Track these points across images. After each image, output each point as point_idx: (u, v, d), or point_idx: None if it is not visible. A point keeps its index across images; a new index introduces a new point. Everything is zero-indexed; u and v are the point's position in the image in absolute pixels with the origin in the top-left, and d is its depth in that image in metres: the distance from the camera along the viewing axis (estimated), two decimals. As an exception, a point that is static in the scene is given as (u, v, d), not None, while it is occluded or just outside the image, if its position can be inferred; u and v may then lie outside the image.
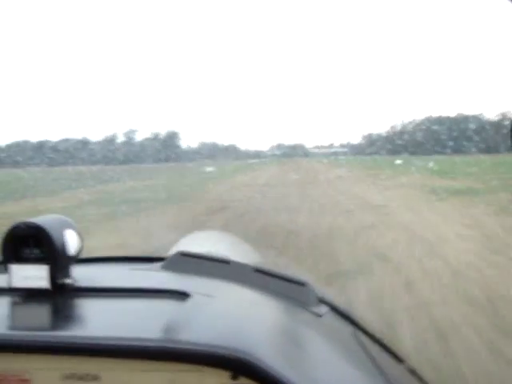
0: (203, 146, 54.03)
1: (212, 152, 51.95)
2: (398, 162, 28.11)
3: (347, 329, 1.10)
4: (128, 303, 0.93)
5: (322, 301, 1.13)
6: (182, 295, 0.93)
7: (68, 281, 0.96)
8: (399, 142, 36.26)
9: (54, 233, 0.94)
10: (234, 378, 0.72)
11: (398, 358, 1.13)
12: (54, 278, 0.94)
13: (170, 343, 0.74)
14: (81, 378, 0.74)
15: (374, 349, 1.09)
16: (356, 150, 58.55)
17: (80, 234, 1.01)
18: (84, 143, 37.90)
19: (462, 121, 32.37)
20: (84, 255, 1.06)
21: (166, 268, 1.20)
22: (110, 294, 0.97)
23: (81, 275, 1.00)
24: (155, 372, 0.73)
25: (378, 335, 1.15)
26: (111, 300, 0.95)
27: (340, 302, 1.20)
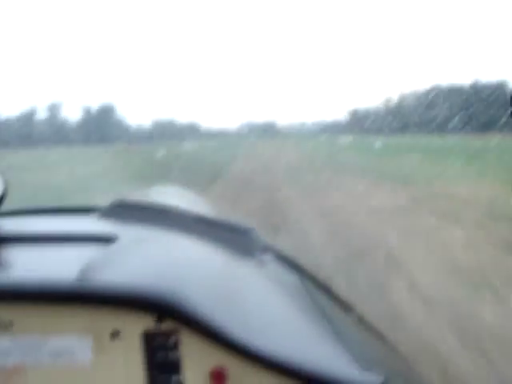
0: (156, 124, 46.59)
1: (166, 131, 44.26)
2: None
3: (292, 277, 1.07)
4: (51, 249, 0.89)
5: (268, 249, 1.11)
6: (109, 240, 0.89)
7: None
8: (397, 118, 28.93)
9: None
10: (160, 320, 0.69)
11: (346, 306, 1.11)
12: None
13: (87, 285, 0.70)
14: None
15: (322, 297, 1.07)
16: (335, 129, 51.49)
17: (6, 181, 0.95)
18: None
19: (480, 90, 25.15)
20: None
21: (101, 216, 1.14)
22: (34, 242, 0.91)
23: (6, 225, 0.95)
24: (72, 316, 0.69)
25: (326, 283, 1.14)
26: (34, 247, 0.90)
27: (287, 250, 1.18)
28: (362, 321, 1.06)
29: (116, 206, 1.15)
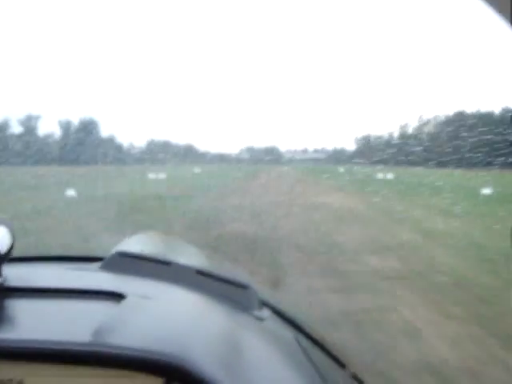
0: (151, 144, 43.79)
1: (161, 153, 41.26)
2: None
3: (289, 333, 1.11)
4: (61, 305, 0.90)
5: (265, 304, 1.14)
6: (117, 297, 0.91)
7: None
8: (415, 147, 25.69)
9: None
10: (167, 383, 0.72)
11: (340, 363, 1.13)
12: None
13: (100, 347, 0.72)
14: None
15: (316, 353, 1.10)
16: (339, 157, 48.24)
17: (13, 231, 0.96)
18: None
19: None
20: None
21: (104, 268, 1.17)
22: (43, 295, 0.93)
23: (13, 274, 0.96)
24: (84, 378, 0.72)
25: (320, 340, 1.15)
26: (43, 301, 0.92)
27: (284, 305, 1.17)
28: (355, 378, 1.08)
29: (119, 257, 1.16)
